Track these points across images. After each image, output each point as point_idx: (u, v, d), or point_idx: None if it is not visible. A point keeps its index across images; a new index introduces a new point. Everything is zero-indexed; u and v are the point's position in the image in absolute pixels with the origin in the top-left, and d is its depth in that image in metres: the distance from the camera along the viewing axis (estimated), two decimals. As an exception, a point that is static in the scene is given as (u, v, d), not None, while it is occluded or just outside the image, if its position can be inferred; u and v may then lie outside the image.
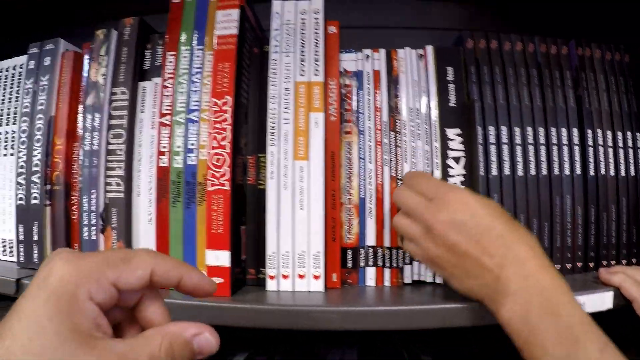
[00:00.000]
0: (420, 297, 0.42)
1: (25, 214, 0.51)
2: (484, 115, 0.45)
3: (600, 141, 0.47)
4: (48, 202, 0.51)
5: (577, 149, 0.46)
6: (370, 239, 0.45)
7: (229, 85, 0.42)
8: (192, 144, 0.44)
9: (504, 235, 0.34)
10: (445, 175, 0.45)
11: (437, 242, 0.36)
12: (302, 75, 0.44)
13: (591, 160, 0.47)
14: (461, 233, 0.35)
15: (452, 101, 0.46)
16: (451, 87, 0.46)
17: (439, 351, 0.58)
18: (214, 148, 0.42)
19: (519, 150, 0.45)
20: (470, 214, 0.35)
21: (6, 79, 0.56)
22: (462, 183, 0.45)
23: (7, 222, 0.55)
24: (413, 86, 0.47)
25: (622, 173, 0.48)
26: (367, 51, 0.47)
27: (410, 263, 0.46)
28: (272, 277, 0.44)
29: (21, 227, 0.52)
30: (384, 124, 0.46)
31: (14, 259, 0.55)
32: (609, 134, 0.47)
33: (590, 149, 0.47)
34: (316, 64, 0.44)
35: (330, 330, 0.40)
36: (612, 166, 0.48)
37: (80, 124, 0.50)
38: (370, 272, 0.46)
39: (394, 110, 0.46)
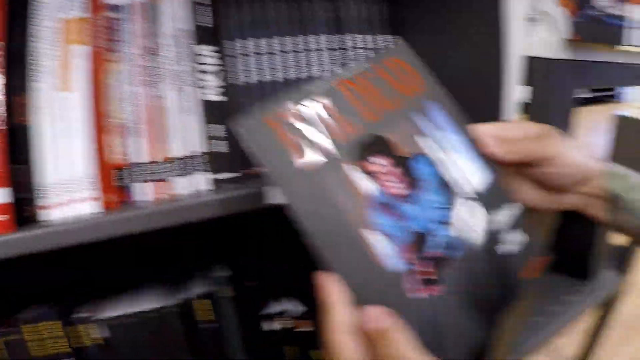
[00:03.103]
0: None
1: None
2: (238, 30, 0.53)
3: (350, 44, 0.54)
4: None
5: (327, 53, 0.53)
6: (140, 157, 0.53)
7: (1, 32, 0.49)
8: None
9: None
10: (202, 88, 0.52)
11: None
12: (65, 12, 0.51)
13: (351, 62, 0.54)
14: None
15: (206, 22, 0.53)
16: (201, 9, 0.54)
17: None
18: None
19: (278, 58, 0.52)
20: None
21: None
22: (219, 93, 0.52)
23: None
24: (171, 12, 0.54)
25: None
26: (127, -17, 0.55)
27: (181, 175, 0.53)
28: (50, 207, 0.50)
29: None
30: (145, 49, 0.54)
31: None
32: (359, 37, 0.54)
33: (351, 52, 0.54)
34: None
35: (107, 238, 0.48)
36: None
37: None
38: (144, 188, 0.53)
39: (154, 36, 0.54)
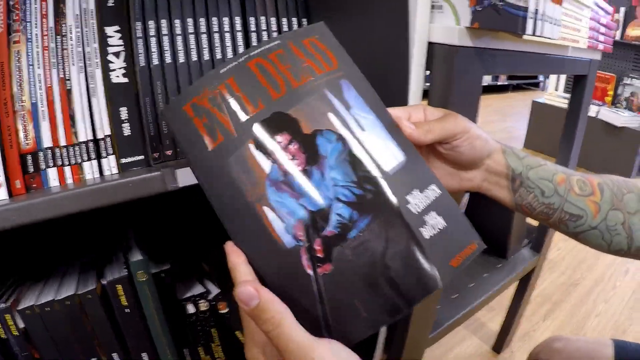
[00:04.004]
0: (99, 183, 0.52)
1: None
2: (143, 10, 0.53)
3: (263, 27, 0.56)
4: None
5: (240, 35, 0.55)
6: (47, 141, 0.53)
7: None
8: None
9: None
10: (107, 70, 0.53)
11: None
12: (-52, -13, 0.50)
13: (255, 44, 0.56)
14: None
15: (111, 1, 0.53)
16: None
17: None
18: None
19: (179, 40, 0.53)
20: None
21: None
22: (124, 75, 0.52)
23: None
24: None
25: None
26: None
27: (89, 159, 0.53)
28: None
29: None
30: (50, 30, 0.53)
31: None
32: (273, 20, 0.56)
33: (254, 35, 0.56)
34: (-36, -25, 0.50)
35: (14, 226, 0.47)
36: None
37: None
38: (52, 173, 0.53)
39: (60, 16, 0.53)
